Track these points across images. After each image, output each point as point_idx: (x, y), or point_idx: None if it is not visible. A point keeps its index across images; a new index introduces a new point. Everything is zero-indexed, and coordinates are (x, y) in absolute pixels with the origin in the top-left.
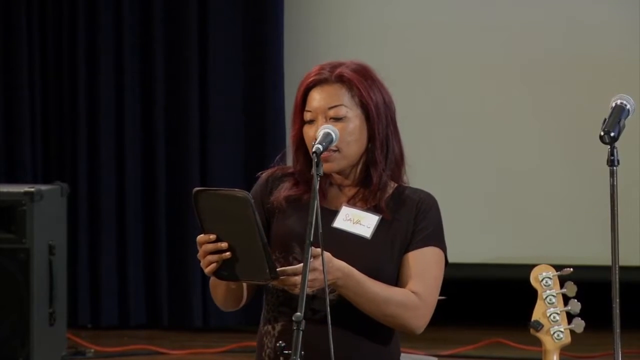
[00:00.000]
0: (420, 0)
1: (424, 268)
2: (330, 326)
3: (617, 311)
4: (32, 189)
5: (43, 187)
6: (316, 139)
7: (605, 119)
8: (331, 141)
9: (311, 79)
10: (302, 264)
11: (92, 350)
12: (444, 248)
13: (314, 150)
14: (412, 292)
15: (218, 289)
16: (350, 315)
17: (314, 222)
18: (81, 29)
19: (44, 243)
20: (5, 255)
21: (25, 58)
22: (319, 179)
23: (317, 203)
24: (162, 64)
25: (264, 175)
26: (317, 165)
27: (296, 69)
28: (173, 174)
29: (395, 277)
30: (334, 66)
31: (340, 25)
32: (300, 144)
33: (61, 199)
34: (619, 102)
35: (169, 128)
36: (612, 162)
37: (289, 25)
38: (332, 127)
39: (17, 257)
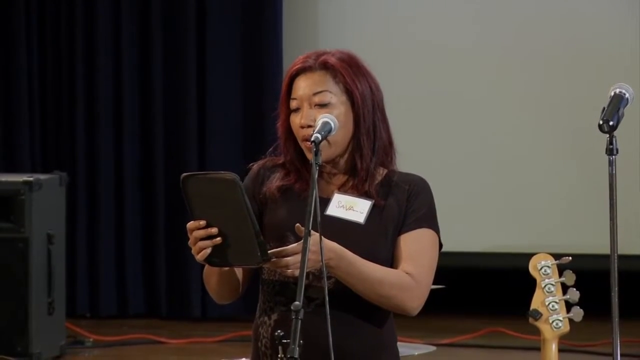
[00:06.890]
0: None
1: (418, 249)
2: (327, 309)
3: (616, 300)
4: (31, 179)
5: (42, 177)
6: (315, 128)
7: (604, 108)
8: (330, 130)
9: (296, 67)
10: (294, 245)
11: (91, 340)
12: (437, 230)
13: (312, 139)
14: (406, 273)
15: (211, 279)
16: (346, 302)
17: (312, 211)
18: (79, 21)
19: (43, 232)
20: (4, 245)
21: (24, 48)
22: (317, 167)
23: (315, 192)
24: (160, 57)
25: (255, 166)
26: (316, 154)
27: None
28: (171, 164)
29: (391, 262)
30: (319, 54)
31: (341, 22)
32: (289, 133)
33: (60, 189)
34: (617, 90)
35: (168, 118)
36: (610, 151)
37: (288, 22)
38: (330, 116)
39: (15, 247)
